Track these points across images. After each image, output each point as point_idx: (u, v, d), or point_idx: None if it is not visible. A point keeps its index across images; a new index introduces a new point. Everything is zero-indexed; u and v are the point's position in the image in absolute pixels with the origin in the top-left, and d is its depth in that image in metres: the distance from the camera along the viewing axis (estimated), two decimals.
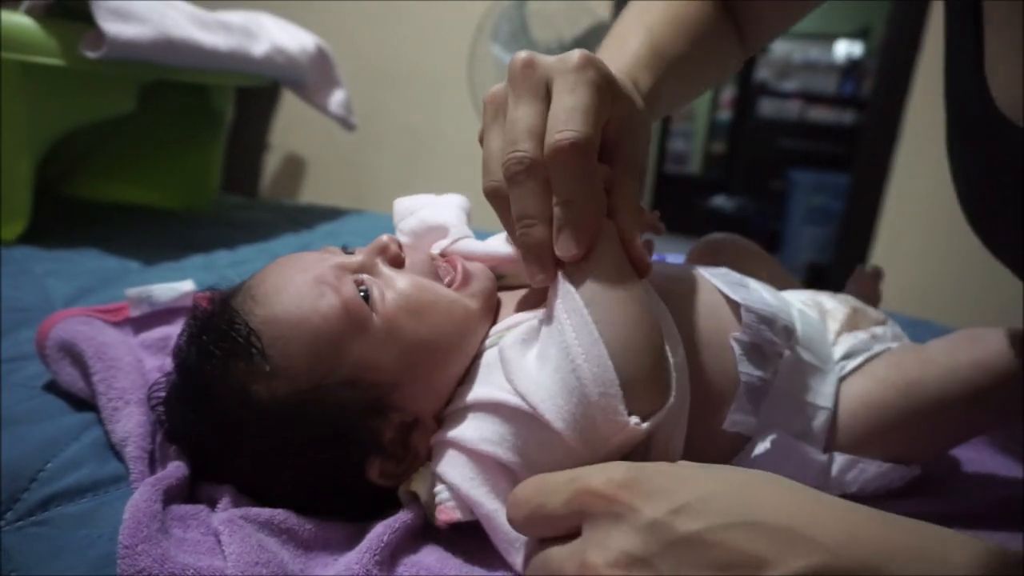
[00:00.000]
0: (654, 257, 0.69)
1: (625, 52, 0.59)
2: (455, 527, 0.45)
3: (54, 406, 0.54)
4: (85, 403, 0.54)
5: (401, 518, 0.44)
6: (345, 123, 1.48)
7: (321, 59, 1.44)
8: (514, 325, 0.48)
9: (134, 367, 0.53)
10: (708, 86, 0.75)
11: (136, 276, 0.91)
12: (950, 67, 0.53)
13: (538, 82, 0.44)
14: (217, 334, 0.46)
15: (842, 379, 0.56)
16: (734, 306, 0.53)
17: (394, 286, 0.48)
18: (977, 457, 0.64)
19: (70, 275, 0.87)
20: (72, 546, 0.41)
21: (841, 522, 0.34)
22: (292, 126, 2.18)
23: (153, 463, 0.47)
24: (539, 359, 0.42)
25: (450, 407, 0.47)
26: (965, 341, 0.57)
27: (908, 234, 1.90)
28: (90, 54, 0.94)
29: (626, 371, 0.40)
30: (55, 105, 1.02)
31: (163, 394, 0.50)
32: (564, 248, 0.43)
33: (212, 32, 1.13)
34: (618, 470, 0.37)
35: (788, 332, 0.54)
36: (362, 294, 0.46)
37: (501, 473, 0.43)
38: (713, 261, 0.67)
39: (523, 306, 0.51)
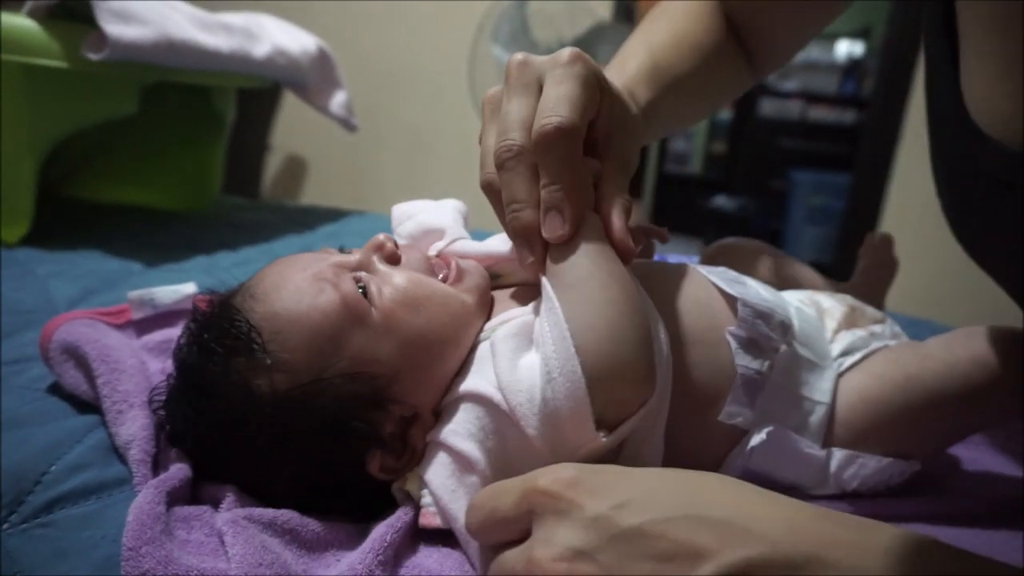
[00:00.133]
0: (655, 258, 0.70)
1: (626, 68, 0.61)
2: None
3: (58, 408, 0.54)
4: (89, 405, 0.54)
5: (402, 518, 0.45)
6: (346, 124, 1.48)
7: (322, 60, 1.44)
8: (508, 320, 0.49)
9: (138, 370, 0.53)
10: (712, 107, 0.76)
11: (138, 277, 0.91)
12: (929, 83, 0.53)
13: (531, 79, 0.47)
14: (218, 332, 0.47)
15: (840, 375, 0.57)
16: (731, 301, 0.54)
17: (391, 281, 0.49)
18: (977, 457, 0.64)
19: (72, 277, 0.87)
20: (76, 548, 0.41)
21: (780, 516, 0.35)
22: (293, 127, 2.19)
23: (156, 466, 0.48)
24: (524, 361, 0.44)
25: (445, 399, 0.48)
26: (963, 338, 0.58)
27: (909, 234, 1.90)
28: (92, 56, 0.94)
29: (599, 381, 0.41)
30: (57, 107, 1.02)
31: (164, 397, 0.50)
32: (550, 228, 0.45)
33: (214, 34, 1.13)
34: (565, 470, 0.38)
35: (785, 328, 0.54)
36: (360, 290, 0.47)
37: (480, 486, 0.44)
38: (727, 264, 0.68)
39: (517, 302, 0.52)
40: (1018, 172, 0.44)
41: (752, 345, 0.52)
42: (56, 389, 0.57)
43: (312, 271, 0.48)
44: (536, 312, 0.48)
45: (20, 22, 0.94)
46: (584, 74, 0.46)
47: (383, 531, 0.43)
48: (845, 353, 0.58)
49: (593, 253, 0.45)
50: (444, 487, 0.44)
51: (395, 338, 0.46)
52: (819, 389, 0.55)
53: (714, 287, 0.55)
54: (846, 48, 4.11)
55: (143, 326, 0.63)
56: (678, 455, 0.47)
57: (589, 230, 0.46)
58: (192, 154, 1.39)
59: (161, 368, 0.57)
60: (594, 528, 0.35)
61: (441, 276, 0.52)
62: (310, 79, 1.41)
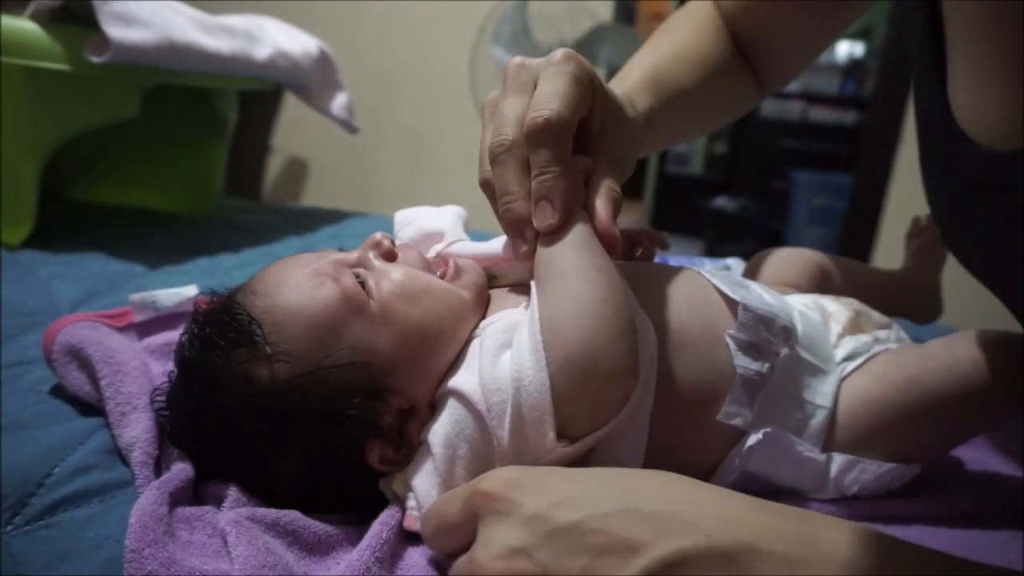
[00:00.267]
0: (656, 260, 0.70)
1: (628, 78, 0.63)
2: None
3: (61, 410, 0.54)
4: (91, 407, 0.54)
5: (395, 515, 0.45)
6: (347, 126, 1.49)
7: (323, 62, 1.44)
8: (501, 319, 0.50)
9: (141, 372, 0.53)
10: (715, 122, 0.77)
11: (141, 279, 0.91)
12: (917, 85, 0.54)
13: (526, 79, 0.49)
14: (219, 326, 0.47)
15: (843, 380, 0.56)
16: (732, 305, 0.54)
17: (388, 276, 0.50)
18: (978, 457, 0.64)
19: (75, 279, 0.87)
20: (80, 550, 0.41)
21: (715, 507, 0.36)
22: (294, 129, 2.19)
23: (159, 468, 0.48)
24: (504, 360, 0.45)
25: (437, 392, 0.49)
26: (964, 340, 0.58)
27: None
28: (95, 59, 0.95)
29: (574, 382, 0.42)
30: (60, 109, 1.03)
31: (166, 396, 0.50)
32: (540, 218, 0.47)
33: (215, 36, 1.14)
34: (507, 472, 0.39)
35: (787, 332, 0.54)
36: (359, 284, 0.49)
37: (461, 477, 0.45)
38: (769, 273, 0.69)
39: (514, 301, 0.53)
40: (1004, 173, 0.44)
41: (752, 349, 0.52)
42: (59, 391, 0.57)
43: (313, 267, 0.49)
44: (528, 307, 0.48)
45: (23, 25, 0.95)
46: (576, 72, 0.48)
47: (379, 529, 0.43)
48: (848, 358, 0.58)
49: (578, 245, 0.47)
50: (427, 495, 0.45)
51: (393, 329, 0.47)
52: (821, 393, 0.55)
53: (715, 290, 0.55)
54: (847, 49, 4.11)
55: (145, 329, 0.64)
56: (674, 455, 0.48)
57: (577, 223, 0.47)
58: (194, 156, 1.39)
59: (164, 371, 0.57)
60: (532, 526, 0.36)
61: (439, 273, 0.53)
62: (311, 81, 1.41)
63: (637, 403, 0.45)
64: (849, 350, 0.58)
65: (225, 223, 1.29)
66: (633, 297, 0.49)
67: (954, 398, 0.54)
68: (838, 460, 0.54)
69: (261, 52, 1.24)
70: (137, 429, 0.49)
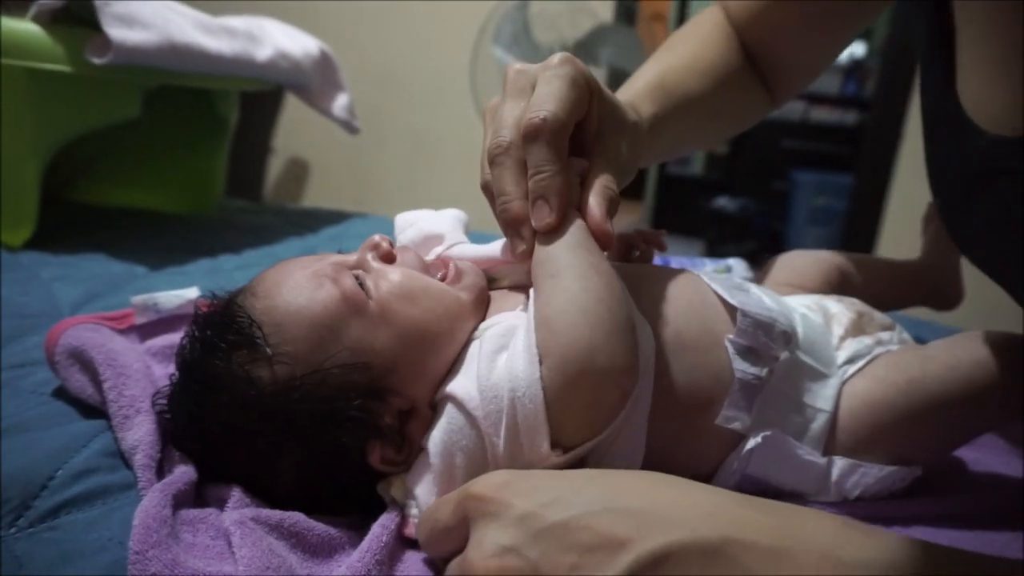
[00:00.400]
0: (657, 261, 0.70)
1: (633, 86, 0.64)
2: None
3: (63, 412, 0.54)
4: (94, 409, 0.54)
5: (394, 519, 0.45)
6: (348, 127, 1.49)
7: (324, 63, 1.45)
8: (501, 321, 0.50)
9: (143, 375, 0.53)
10: (724, 131, 0.77)
11: (142, 280, 0.91)
12: (924, 81, 0.54)
13: (524, 84, 0.50)
14: (220, 328, 0.48)
15: (844, 383, 0.56)
16: (731, 310, 0.54)
17: (386, 277, 0.50)
18: (979, 457, 0.64)
19: (77, 280, 0.87)
20: (83, 552, 0.41)
21: (701, 503, 0.37)
22: (295, 130, 2.19)
23: (161, 471, 0.48)
24: (500, 365, 0.45)
25: (437, 395, 0.49)
26: (965, 341, 0.58)
27: (911, 234, 1.89)
28: (96, 60, 0.95)
29: (562, 400, 0.43)
30: (61, 111, 1.03)
31: (168, 399, 0.50)
32: (538, 217, 0.47)
33: (217, 37, 1.14)
34: (497, 475, 0.40)
35: (787, 337, 0.54)
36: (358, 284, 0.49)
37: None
38: (783, 277, 0.69)
39: (514, 303, 0.53)
40: (1011, 159, 0.44)
41: (751, 353, 0.52)
42: (61, 393, 0.57)
43: (312, 269, 0.49)
44: (527, 310, 0.49)
45: (24, 26, 0.95)
46: (572, 75, 0.49)
47: (379, 532, 0.44)
48: (850, 361, 0.57)
49: (573, 245, 0.47)
50: (427, 503, 0.45)
51: (391, 329, 0.48)
52: (821, 396, 0.54)
53: (713, 294, 0.55)
54: (848, 49, 4.11)
55: (146, 331, 0.64)
56: (672, 459, 0.48)
57: (572, 223, 0.48)
58: (195, 157, 1.39)
59: (165, 373, 0.57)
60: (522, 525, 0.36)
61: (439, 275, 0.53)
62: (312, 82, 1.42)
63: (634, 406, 0.45)
64: (851, 353, 0.58)
65: (226, 224, 1.29)
66: (630, 297, 0.49)
67: (955, 399, 0.54)
68: (839, 464, 0.53)
69: (262, 53, 1.24)
70: (140, 432, 0.49)
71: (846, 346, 0.58)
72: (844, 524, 0.36)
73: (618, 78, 1.75)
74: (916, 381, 0.55)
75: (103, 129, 1.13)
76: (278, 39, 1.32)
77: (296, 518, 0.44)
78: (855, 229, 2.07)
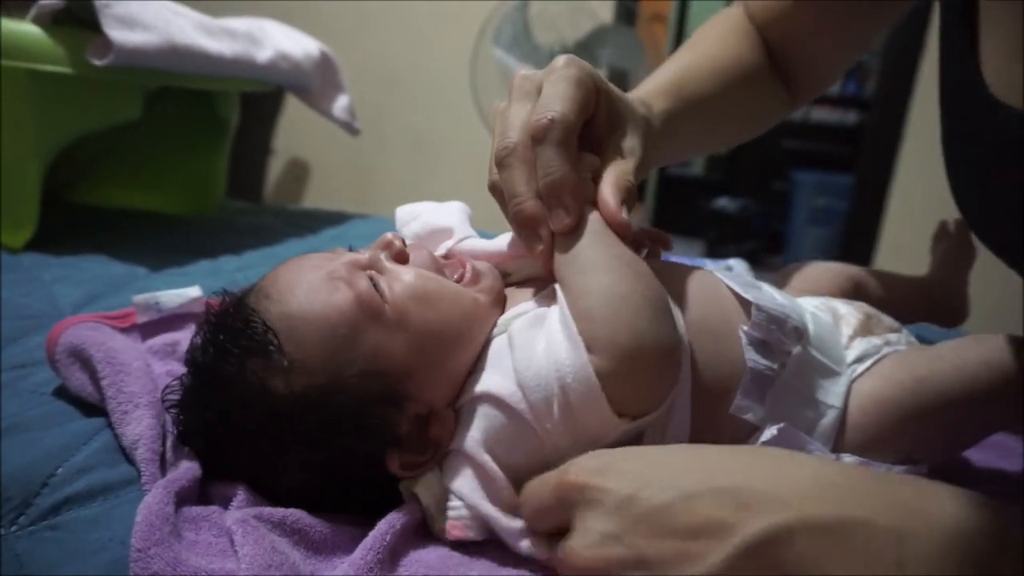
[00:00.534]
0: (663, 258, 0.70)
1: (650, 82, 0.64)
2: None
3: (64, 411, 0.54)
4: (95, 408, 0.54)
5: (401, 518, 0.45)
6: (349, 128, 1.49)
7: (325, 64, 1.45)
8: (522, 313, 0.50)
9: (143, 371, 0.53)
10: (744, 132, 0.76)
11: (143, 282, 0.91)
12: (945, 60, 0.54)
13: (531, 88, 0.50)
14: (233, 332, 0.47)
15: (853, 381, 0.56)
16: (745, 305, 0.54)
17: (400, 278, 0.49)
18: (982, 457, 0.64)
19: (78, 281, 0.87)
20: (85, 550, 0.41)
21: (807, 479, 0.35)
22: (296, 131, 2.19)
23: (164, 465, 0.48)
24: (540, 354, 0.45)
25: (462, 398, 0.48)
26: (972, 343, 0.58)
27: (912, 235, 1.89)
28: (97, 61, 0.95)
29: (618, 381, 0.43)
30: (62, 112, 1.03)
31: (176, 396, 0.50)
32: (556, 221, 0.47)
33: (217, 39, 1.14)
34: (591, 460, 0.40)
35: (799, 333, 0.54)
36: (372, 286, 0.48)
37: (506, 490, 0.45)
38: (798, 285, 0.70)
39: (528, 296, 0.53)
40: None
41: (764, 346, 0.53)
42: (62, 393, 0.57)
43: (326, 270, 0.48)
44: (550, 300, 0.49)
45: (25, 28, 0.95)
46: (578, 75, 0.49)
47: (383, 530, 0.43)
48: (859, 360, 0.57)
49: (593, 242, 0.47)
50: (474, 495, 0.45)
51: (408, 334, 0.47)
52: (832, 393, 0.54)
53: (727, 288, 0.55)
54: None
55: (148, 330, 0.64)
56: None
57: (588, 219, 0.48)
58: (196, 158, 1.39)
59: (166, 371, 0.57)
60: (622, 512, 0.36)
61: (456, 276, 0.53)
62: (313, 83, 1.42)
63: (681, 381, 0.46)
64: (860, 352, 0.58)
65: (227, 225, 1.29)
66: (658, 281, 0.49)
67: (962, 399, 0.54)
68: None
69: (263, 54, 1.24)
70: (140, 427, 0.49)
71: (855, 345, 0.58)
72: (969, 501, 0.34)
73: (618, 79, 1.75)
74: (924, 380, 0.55)
75: (104, 130, 1.13)
76: (278, 40, 1.32)
77: (298, 515, 0.44)
78: (855, 229, 2.07)
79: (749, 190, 3.78)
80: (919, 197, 1.88)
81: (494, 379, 0.46)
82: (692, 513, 0.34)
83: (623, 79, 1.75)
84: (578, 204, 0.47)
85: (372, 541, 0.42)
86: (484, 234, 0.61)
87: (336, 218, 1.42)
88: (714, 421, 0.51)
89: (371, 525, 0.44)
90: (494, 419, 0.45)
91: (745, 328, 0.52)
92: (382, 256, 0.51)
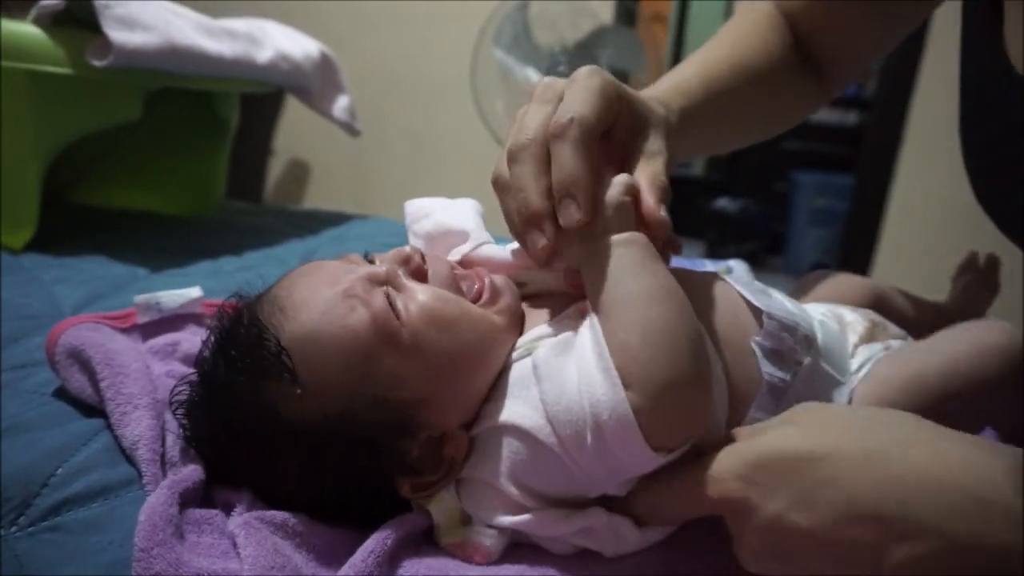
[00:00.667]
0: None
1: (669, 78, 0.63)
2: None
3: (64, 412, 0.54)
4: (95, 409, 0.54)
5: (405, 523, 0.45)
6: (349, 128, 1.49)
7: (325, 65, 1.45)
8: (544, 336, 0.48)
9: (142, 373, 0.53)
10: (772, 125, 0.75)
11: (143, 282, 0.91)
12: (967, 41, 0.54)
13: (552, 95, 0.49)
14: (245, 348, 0.46)
15: (854, 389, 0.56)
16: (756, 312, 0.54)
17: (418, 299, 0.47)
18: None
19: (78, 282, 0.87)
20: (84, 550, 0.41)
21: (957, 501, 0.34)
22: (296, 132, 2.19)
23: (164, 465, 0.48)
24: (571, 387, 0.43)
25: (481, 424, 0.47)
26: (964, 332, 0.58)
27: (912, 235, 1.90)
28: (97, 62, 0.95)
29: (654, 418, 0.41)
30: (62, 113, 1.03)
31: (183, 398, 0.50)
32: (565, 215, 0.45)
33: (217, 40, 1.14)
34: (738, 465, 0.40)
35: (809, 341, 0.54)
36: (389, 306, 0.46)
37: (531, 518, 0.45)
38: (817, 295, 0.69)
39: (548, 313, 0.51)
40: None
41: (776, 356, 0.52)
42: (62, 393, 0.57)
43: (342, 287, 0.46)
44: (573, 322, 0.47)
45: (25, 29, 0.95)
46: (601, 85, 0.49)
47: (385, 533, 0.43)
48: (861, 367, 0.57)
49: (636, 267, 0.45)
50: (504, 521, 0.45)
51: (423, 360, 0.45)
52: (837, 403, 0.54)
53: (740, 297, 0.55)
54: None
55: (149, 330, 0.64)
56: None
57: (631, 242, 0.46)
58: (196, 159, 1.39)
59: (166, 371, 0.57)
60: (770, 532, 0.37)
61: (474, 294, 0.51)
62: (313, 84, 1.42)
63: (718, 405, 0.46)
64: (862, 359, 0.58)
65: (227, 226, 1.29)
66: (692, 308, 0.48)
67: (957, 393, 0.54)
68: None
69: (263, 55, 1.24)
70: (140, 428, 0.49)
71: (859, 353, 0.58)
72: None
73: (618, 79, 1.75)
74: (917, 375, 0.55)
75: (104, 131, 1.13)
76: (279, 41, 1.32)
77: (301, 519, 0.44)
78: (856, 230, 2.06)
79: (749, 191, 3.78)
80: (919, 198, 1.88)
81: (519, 409, 0.45)
82: (834, 540, 0.36)
83: (623, 80, 1.75)
84: (590, 202, 0.45)
85: (374, 544, 0.42)
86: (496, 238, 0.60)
87: (336, 219, 1.42)
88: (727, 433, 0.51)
89: (374, 529, 0.44)
90: (519, 451, 0.44)
91: (757, 339, 0.52)
92: (400, 272, 0.49)
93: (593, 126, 0.46)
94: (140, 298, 0.64)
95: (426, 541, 0.46)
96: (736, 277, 0.58)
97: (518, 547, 0.46)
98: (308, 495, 0.46)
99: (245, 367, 0.45)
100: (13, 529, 0.43)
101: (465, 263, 0.56)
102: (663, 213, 0.48)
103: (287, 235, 1.24)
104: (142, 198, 1.38)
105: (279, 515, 0.44)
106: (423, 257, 0.51)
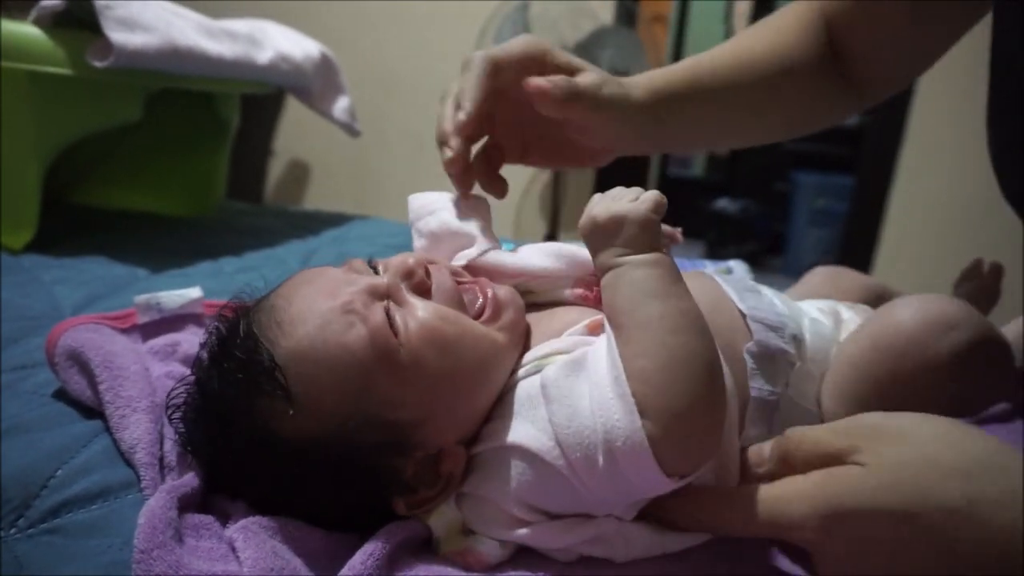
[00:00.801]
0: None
1: (667, 68, 0.67)
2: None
3: (64, 413, 0.54)
4: (94, 410, 0.54)
5: (403, 529, 0.45)
6: (349, 129, 1.49)
7: (325, 66, 1.45)
8: (551, 353, 0.47)
9: (141, 375, 0.53)
10: (776, 127, 0.75)
11: (144, 283, 0.91)
12: (997, 25, 0.53)
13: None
14: (239, 363, 0.45)
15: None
16: (744, 315, 0.54)
17: (418, 316, 0.46)
18: None
19: (78, 283, 0.87)
20: (84, 552, 0.41)
21: None
22: (297, 132, 2.19)
23: (162, 469, 0.48)
24: (583, 411, 0.42)
25: (485, 443, 0.46)
26: (913, 301, 0.57)
27: (912, 236, 1.90)
28: (97, 63, 0.95)
29: (667, 446, 0.40)
30: (62, 114, 1.03)
31: (181, 401, 0.49)
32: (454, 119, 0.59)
33: (218, 40, 1.14)
34: (825, 504, 0.39)
35: (798, 341, 0.54)
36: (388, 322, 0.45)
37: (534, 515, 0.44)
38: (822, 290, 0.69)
39: (555, 327, 0.50)
40: None
41: (768, 363, 0.52)
42: (62, 394, 0.57)
43: (340, 300, 0.45)
44: (583, 339, 0.47)
45: (25, 30, 0.95)
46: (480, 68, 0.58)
47: (384, 537, 0.43)
48: None
49: (661, 290, 0.44)
50: (508, 536, 0.44)
51: (421, 381, 0.44)
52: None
53: (727, 298, 0.55)
54: None
55: (149, 330, 0.64)
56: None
57: (654, 266, 0.45)
58: (196, 160, 1.39)
59: (166, 372, 0.57)
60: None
61: (476, 309, 0.49)
62: (313, 84, 1.42)
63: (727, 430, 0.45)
64: None
65: (227, 226, 1.29)
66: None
67: (908, 369, 0.53)
68: None
69: (263, 56, 1.24)
70: (138, 431, 0.49)
71: None
72: None
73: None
74: (869, 349, 0.54)
75: (104, 132, 1.13)
76: (279, 42, 1.32)
77: (299, 523, 0.44)
78: (856, 230, 2.07)
79: (749, 191, 3.78)
80: (919, 198, 1.88)
81: (526, 430, 0.43)
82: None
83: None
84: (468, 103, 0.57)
85: (373, 547, 0.42)
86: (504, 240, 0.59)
87: (336, 219, 1.42)
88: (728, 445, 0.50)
89: (373, 532, 0.44)
90: (525, 472, 0.43)
91: (748, 346, 0.52)
92: (403, 286, 0.48)
93: (466, 122, 0.57)
94: (140, 298, 0.64)
95: (425, 545, 0.46)
96: (736, 278, 0.58)
97: (519, 551, 0.46)
98: (301, 509, 0.45)
99: (238, 382, 0.44)
100: (12, 531, 0.43)
101: (471, 269, 0.55)
102: (546, 85, 0.57)
103: (287, 236, 1.24)
104: (142, 199, 1.38)
105: (277, 520, 0.44)
106: (427, 270, 0.50)
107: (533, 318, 0.52)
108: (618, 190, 0.49)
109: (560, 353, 0.46)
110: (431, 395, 0.45)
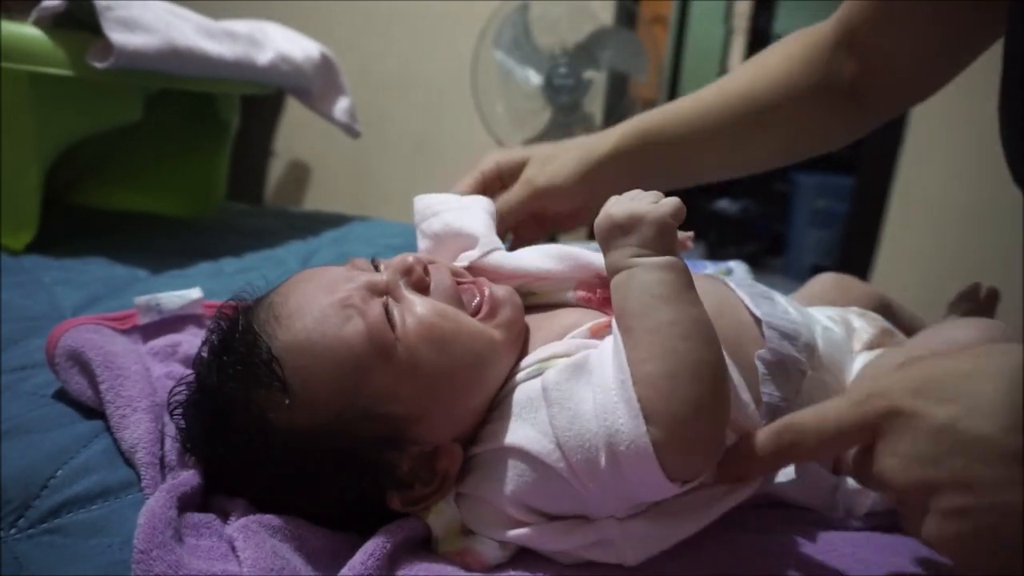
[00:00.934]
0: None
1: (659, 109, 0.74)
2: None
3: (64, 414, 0.54)
4: (95, 410, 0.54)
5: (403, 529, 0.45)
6: (349, 130, 1.49)
7: (325, 67, 1.45)
8: (552, 356, 0.47)
9: (141, 375, 0.53)
10: (768, 154, 0.76)
11: (144, 284, 0.91)
12: (1014, 22, 0.53)
13: None
14: (237, 356, 0.45)
15: None
16: (758, 321, 0.53)
17: (415, 312, 0.46)
18: None
19: (78, 283, 0.87)
20: (84, 552, 0.41)
21: None
22: (297, 133, 2.19)
23: (163, 468, 0.48)
24: (586, 415, 0.42)
25: (484, 444, 0.46)
26: (933, 332, 0.57)
27: (912, 236, 1.90)
28: (97, 64, 0.95)
29: (671, 453, 0.40)
30: (62, 115, 1.03)
31: (180, 399, 0.50)
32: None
33: (218, 41, 1.14)
34: (907, 379, 0.39)
35: (811, 349, 0.54)
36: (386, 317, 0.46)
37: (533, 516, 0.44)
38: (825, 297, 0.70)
39: (556, 329, 0.50)
40: None
41: (780, 370, 0.51)
42: (62, 395, 0.57)
43: (339, 295, 0.46)
44: (585, 342, 0.46)
45: (26, 31, 0.95)
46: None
47: (384, 538, 0.43)
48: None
49: (672, 296, 0.43)
50: (509, 536, 0.44)
51: (417, 377, 0.45)
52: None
53: (740, 303, 0.54)
54: None
55: (149, 331, 0.64)
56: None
57: (668, 270, 0.44)
58: (196, 160, 1.39)
59: (167, 372, 0.57)
60: (940, 438, 0.36)
61: (473, 307, 0.50)
62: (314, 85, 1.42)
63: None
64: (860, 365, 0.58)
65: (227, 227, 1.29)
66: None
67: None
68: (850, 483, 0.51)
69: (263, 57, 1.25)
70: (139, 431, 0.49)
71: (860, 359, 0.58)
72: None
73: (618, 81, 1.75)
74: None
75: (105, 133, 1.14)
76: (279, 43, 1.32)
77: (299, 522, 0.44)
78: (856, 231, 2.06)
79: (750, 191, 3.77)
80: (919, 199, 1.87)
81: (526, 432, 0.43)
82: (1012, 448, 0.34)
83: (623, 81, 1.75)
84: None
85: (373, 546, 0.42)
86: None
87: (337, 220, 1.42)
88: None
89: (373, 532, 0.44)
90: (525, 473, 0.43)
91: (760, 353, 0.51)
92: (401, 283, 0.48)
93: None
94: (140, 299, 0.64)
95: (426, 545, 0.46)
96: (736, 278, 0.58)
97: (519, 552, 0.45)
98: (299, 504, 0.45)
99: (236, 374, 0.45)
100: (12, 531, 0.43)
101: (473, 270, 0.55)
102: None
103: (287, 236, 1.24)
104: (143, 200, 1.38)
105: (277, 518, 0.44)
106: (426, 268, 0.50)
107: (535, 320, 0.52)
108: (637, 192, 0.48)
109: (561, 356, 0.46)
110: (427, 390, 0.45)
